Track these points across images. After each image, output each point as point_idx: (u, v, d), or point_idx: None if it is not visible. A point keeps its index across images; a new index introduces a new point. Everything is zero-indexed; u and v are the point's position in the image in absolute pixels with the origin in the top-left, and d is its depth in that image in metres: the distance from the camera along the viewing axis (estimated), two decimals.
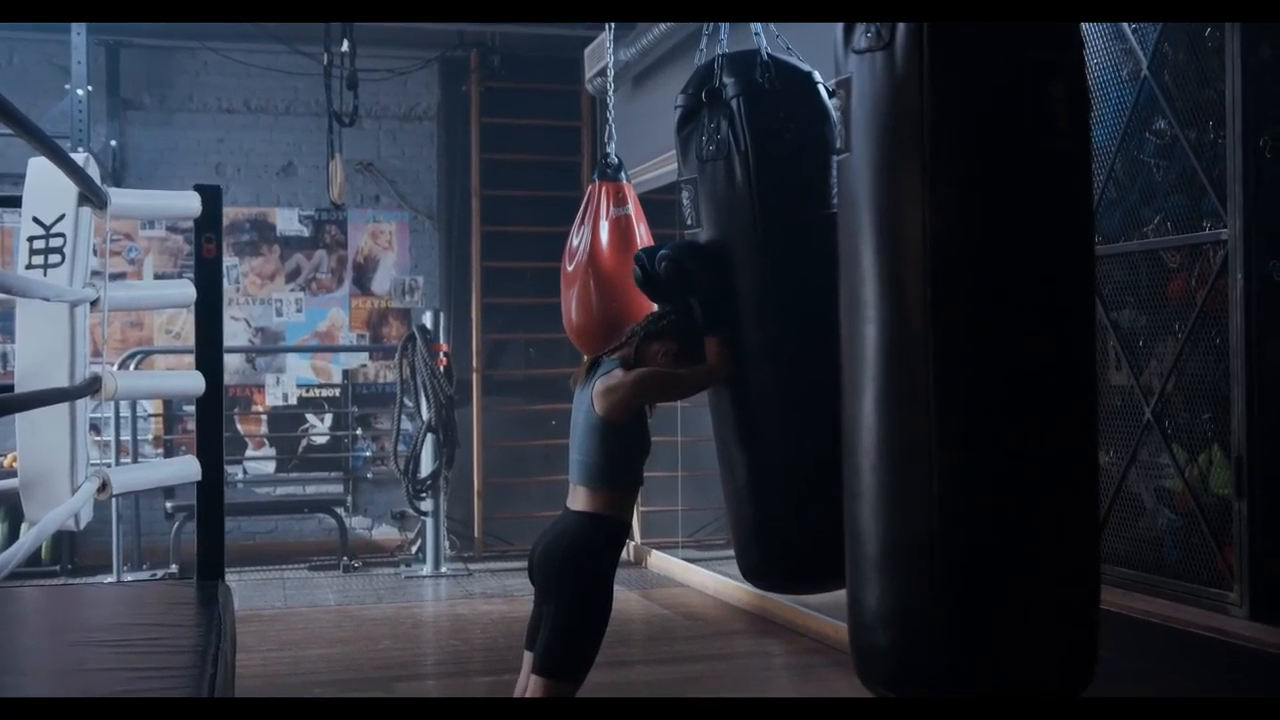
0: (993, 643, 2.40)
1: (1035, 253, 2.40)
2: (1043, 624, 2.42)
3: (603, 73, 5.67)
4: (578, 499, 3.42)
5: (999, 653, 2.41)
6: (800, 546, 3.32)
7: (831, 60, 2.63)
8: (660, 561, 8.33)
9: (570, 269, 4.90)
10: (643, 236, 4.87)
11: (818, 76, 3.39)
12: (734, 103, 3.27)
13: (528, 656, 3.49)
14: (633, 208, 4.90)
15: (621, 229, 4.82)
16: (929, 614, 2.36)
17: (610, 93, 5.17)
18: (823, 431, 3.23)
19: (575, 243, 4.90)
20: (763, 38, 3.42)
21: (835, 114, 3.34)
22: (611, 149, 4.97)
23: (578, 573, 3.36)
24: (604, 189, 4.89)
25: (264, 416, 9.28)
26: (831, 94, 3.37)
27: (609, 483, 3.39)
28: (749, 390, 3.31)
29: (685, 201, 3.50)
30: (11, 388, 3.79)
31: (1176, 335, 3.76)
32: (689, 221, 3.53)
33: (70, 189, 3.65)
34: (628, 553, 8.79)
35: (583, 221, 4.90)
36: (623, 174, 4.96)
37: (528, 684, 3.46)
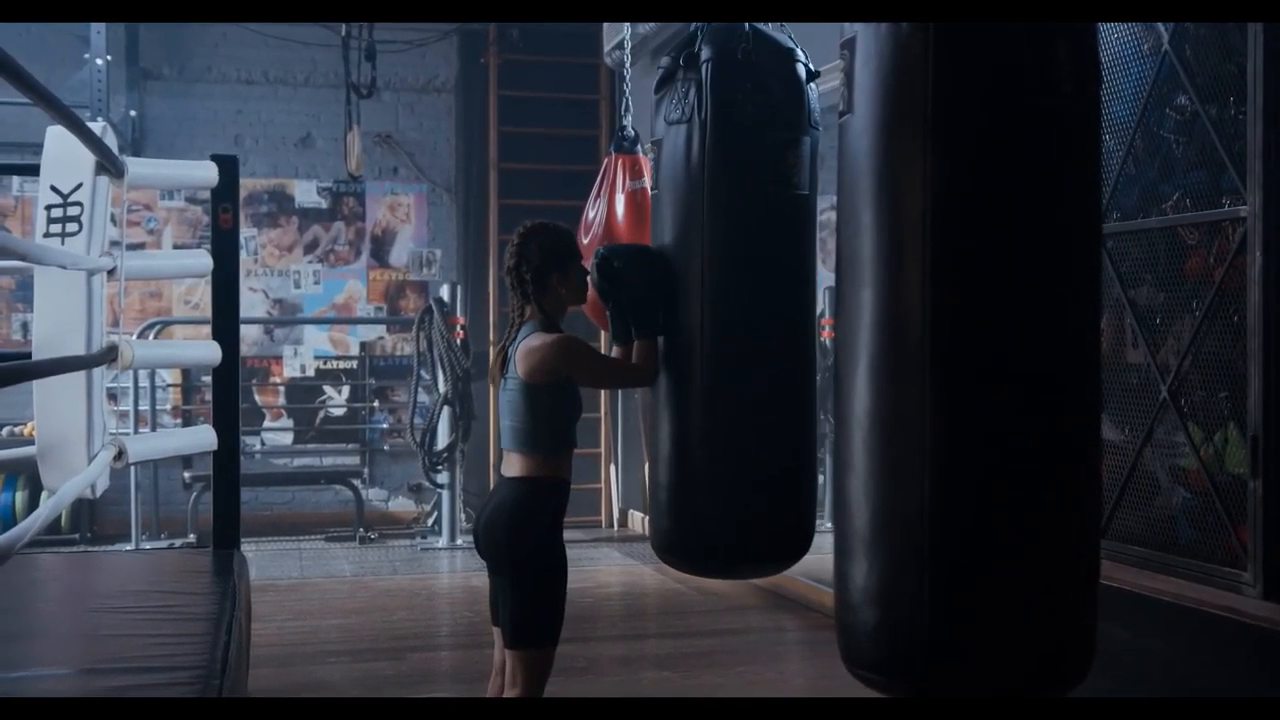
0: (985, 622, 2.32)
1: (1037, 217, 2.35)
2: (1038, 603, 2.33)
3: (621, 46, 5.63)
4: (512, 465, 3.37)
5: (991, 632, 2.32)
6: (715, 524, 3.28)
7: (837, 32, 2.60)
8: None
9: (586, 242, 4.90)
10: None
11: (800, 55, 3.36)
12: (703, 69, 3.26)
13: (497, 631, 3.46)
14: (649, 181, 4.90)
15: (638, 202, 4.82)
16: (918, 592, 2.29)
17: (628, 66, 5.16)
18: (756, 407, 3.24)
19: (591, 216, 4.90)
20: None
21: (812, 90, 3.34)
22: (628, 122, 4.96)
23: (521, 540, 3.30)
24: (620, 162, 4.88)
25: (281, 388, 9.32)
26: (814, 75, 3.36)
27: (540, 446, 3.33)
28: (682, 360, 3.29)
29: (651, 163, 3.51)
30: (29, 356, 3.81)
31: (1194, 313, 3.74)
32: (652, 185, 3.52)
33: (88, 158, 3.66)
34: (643, 527, 8.82)
35: (599, 194, 4.90)
36: (639, 147, 4.95)
37: (504, 658, 3.45)
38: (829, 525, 3.60)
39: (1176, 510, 3.81)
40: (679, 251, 3.30)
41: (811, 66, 3.33)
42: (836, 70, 2.54)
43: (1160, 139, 3.91)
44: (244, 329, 5.17)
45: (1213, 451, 3.66)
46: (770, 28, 3.40)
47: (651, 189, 3.57)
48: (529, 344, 3.34)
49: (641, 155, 4.94)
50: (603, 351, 3.78)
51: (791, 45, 3.39)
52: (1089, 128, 2.47)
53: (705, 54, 3.29)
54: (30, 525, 2.28)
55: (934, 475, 2.29)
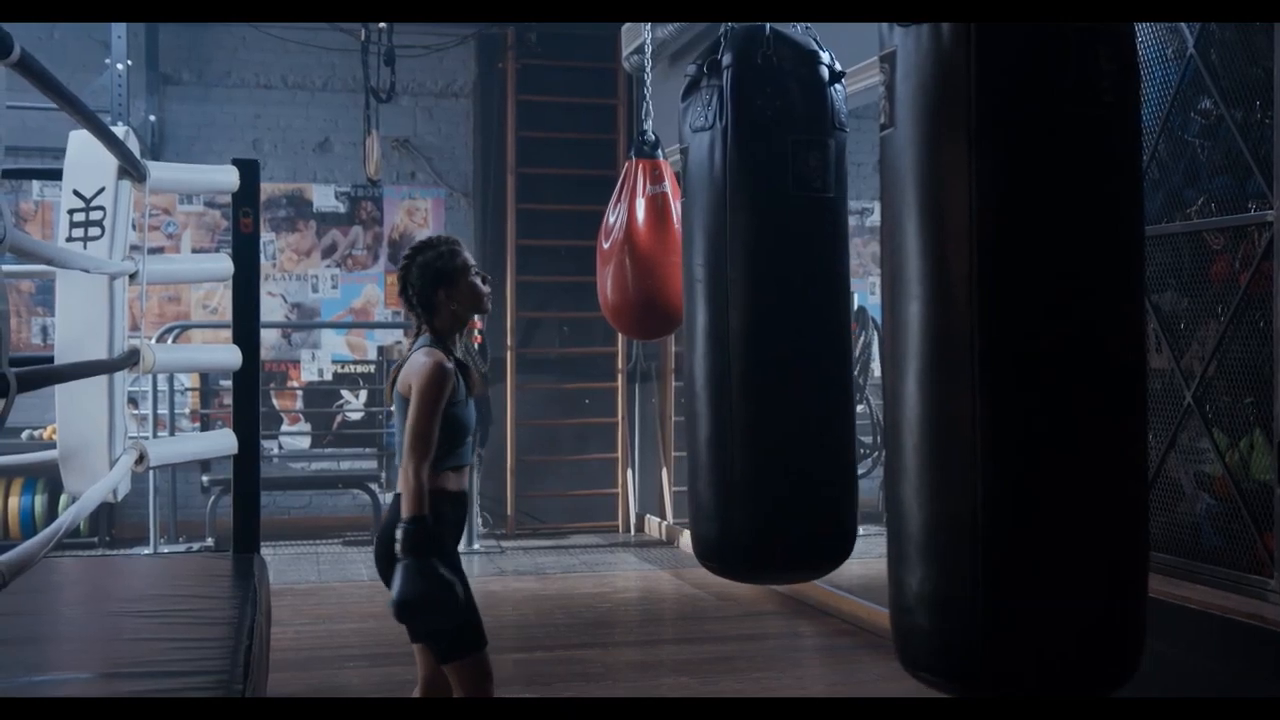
0: (1036, 627, 2.36)
1: (1082, 228, 2.36)
2: (1088, 609, 2.38)
3: (640, 50, 5.64)
4: (396, 481, 3.31)
5: (1043, 637, 2.37)
6: (757, 530, 3.27)
7: (875, 35, 2.60)
8: None
9: (606, 246, 4.90)
10: (679, 214, 4.86)
11: (824, 56, 3.35)
12: (725, 75, 3.26)
13: (416, 648, 3.44)
14: (669, 185, 4.89)
15: (658, 206, 4.82)
16: (971, 597, 2.33)
17: (648, 70, 5.15)
18: (792, 409, 3.23)
19: (611, 220, 4.90)
20: None
21: (838, 94, 3.33)
22: (648, 126, 4.96)
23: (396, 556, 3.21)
24: (641, 166, 4.88)
25: (299, 392, 9.33)
26: (837, 76, 3.34)
27: None
28: (715, 364, 3.29)
29: (680, 171, 3.51)
30: (51, 360, 3.82)
31: (1219, 318, 3.71)
32: (681, 192, 3.53)
33: (110, 162, 3.67)
34: (660, 532, 8.80)
35: (619, 199, 4.90)
36: (659, 151, 4.95)
37: (424, 674, 3.40)
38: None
39: (1201, 517, 3.78)
40: (707, 257, 3.30)
41: (836, 67, 3.32)
42: (866, 71, 2.54)
43: (1185, 143, 3.88)
44: (262, 333, 5.18)
45: (1238, 458, 3.64)
46: (793, 30, 3.39)
47: (680, 196, 3.58)
48: (412, 360, 3.33)
49: (662, 159, 4.93)
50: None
51: (815, 48, 3.38)
52: (1131, 136, 2.47)
53: (726, 60, 3.29)
54: (56, 531, 2.28)
55: (985, 481, 2.31)
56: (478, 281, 3.40)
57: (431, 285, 3.35)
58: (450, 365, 3.30)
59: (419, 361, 3.29)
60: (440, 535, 3.25)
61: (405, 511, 3.17)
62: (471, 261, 3.42)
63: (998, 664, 2.34)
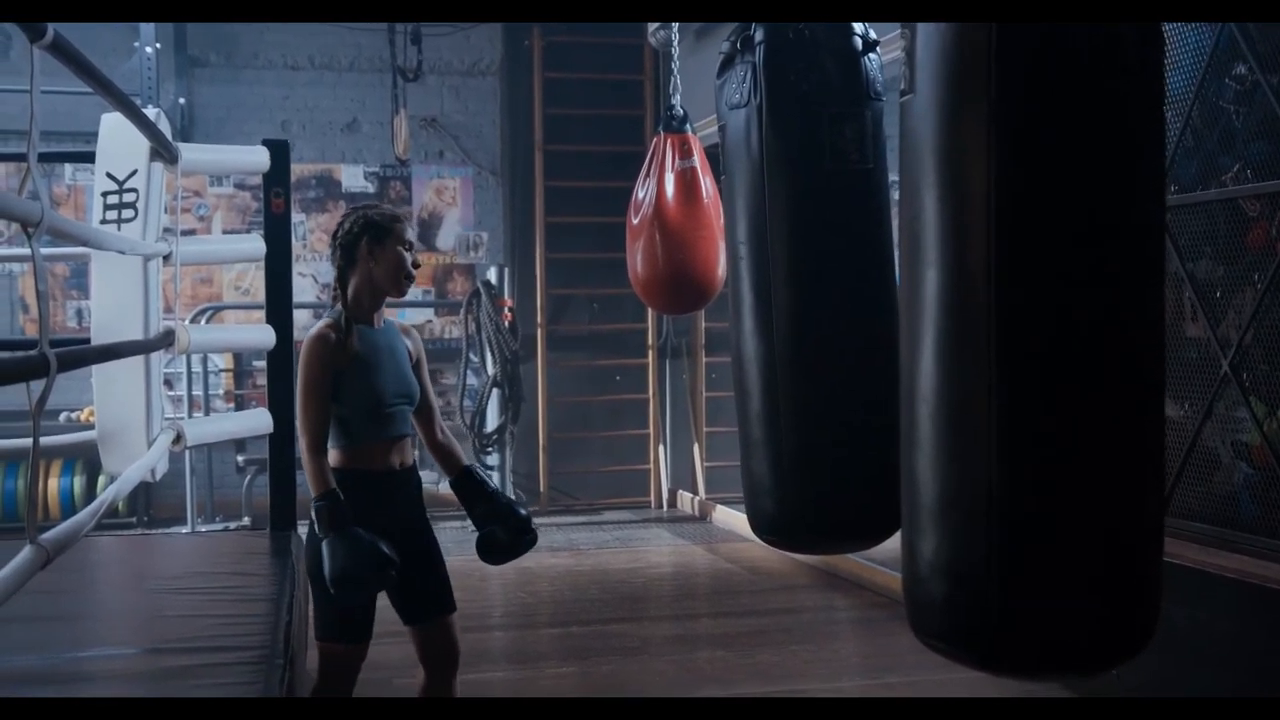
0: (1050, 591, 2.35)
1: (1102, 196, 2.34)
2: (1101, 579, 2.37)
3: (665, 25, 5.62)
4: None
5: (1056, 607, 2.36)
6: (814, 502, 3.28)
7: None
8: (725, 516, 8.34)
9: (635, 222, 4.90)
10: (708, 189, 4.85)
11: (857, 26, 3.33)
12: (758, 50, 3.25)
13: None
14: (698, 159, 4.89)
15: (687, 181, 4.81)
16: (985, 566, 2.32)
17: (675, 45, 5.14)
18: (840, 381, 3.23)
19: (640, 195, 4.90)
20: None
21: (873, 63, 3.30)
22: (676, 101, 4.94)
23: (310, 533, 3.16)
24: (669, 141, 4.87)
25: None
26: (871, 46, 3.32)
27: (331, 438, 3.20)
28: (760, 340, 3.29)
29: (719, 148, 3.50)
30: (87, 342, 3.86)
31: (1255, 286, 3.68)
32: (720, 170, 3.52)
33: (142, 144, 3.69)
34: (693, 507, 8.82)
35: (648, 174, 4.90)
36: (688, 126, 4.94)
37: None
38: None
39: (1239, 486, 3.76)
40: (749, 235, 3.29)
41: (870, 36, 3.29)
42: (898, 42, 2.52)
43: (1220, 110, 3.84)
44: (294, 313, 5.20)
45: (1276, 426, 3.61)
46: None
47: (720, 174, 3.56)
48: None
49: (690, 134, 4.92)
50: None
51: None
52: (1153, 103, 2.44)
53: (759, 35, 3.27)
54: (98, 508, 2.31)
55: (1000, 450, 2.30)
56: (406, 257, 3.25)
57: (360, 235, 3.21)
58: (328, 331, 3.15)
59: (310, 335, 3.18)
60: (361, 507, 3.09)
61: (312, 492, 3.07)
62: (410, 237, 3.29)
63: (1010, 633, 2.34)
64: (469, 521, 3.54)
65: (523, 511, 3.46)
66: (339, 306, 3.24)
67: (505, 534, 3.40)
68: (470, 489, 3.44)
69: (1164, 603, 2.47)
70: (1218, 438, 3.83)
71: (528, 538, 3.43)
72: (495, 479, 8.43)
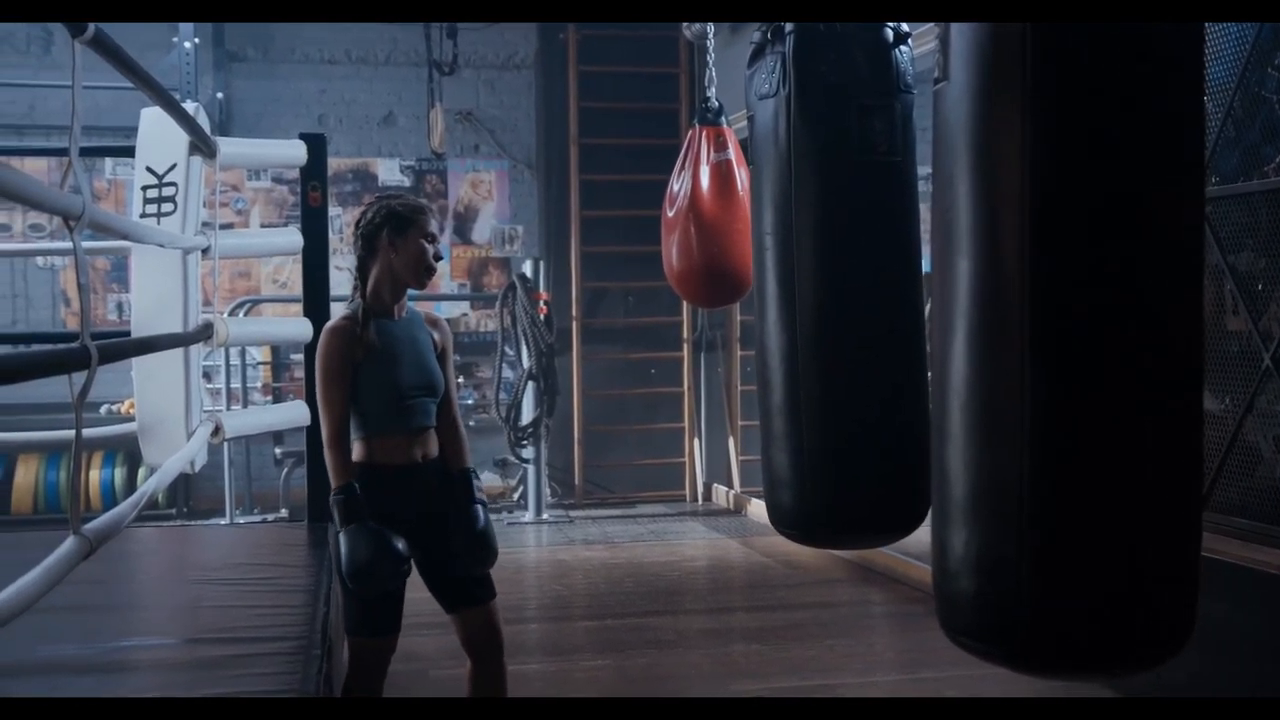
0: (1082, 595, 2.32)
1: (1139, 186, 2.31)
2: (1136, 577, 2.32)
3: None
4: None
5: (1087, 604, 2.32)
6: (836, 495, 3.27)
7: None
8: (759, 510, 8.33)
9: (671, 215, 4.89)
10: (743, 181, 4.84)
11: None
12: (788, 40, 3.23)
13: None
14: (734, 152, 4.87)
15: (723, 174, 4.80)
16: (1017, 561, 2.29)
17: (710, 37, 5.13)
18: (864, 374, 3.21)
19: (676, 188, 4.89)
20: None
21: (904, 55, 3.28)
22: (712, 93, 4.93)
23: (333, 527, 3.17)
24: (704, 134, 4.86)
25: None
26: (902, 37, 3.29)
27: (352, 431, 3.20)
28: (784, 333, 3.27)
29: (747, 139, 3.49)
30: (128, 334, 3.89)
31: None
32: (748, 161, 3.50)
33: (181, 138, 3.72)
34: (728, 501, 8.81)
35: (683, 167, 4.89)
36: (723, 118, 4.93)
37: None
38: None
39: None
40: (775, 226, 3.28)
41: (902, 28, 3.27)
42: (932, 32, 2.50)
43: (1262, 100, 3.79)
44: (332, 306, 5.23)
45: None
46: None
47: (747, 164, 3.56)
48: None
49: (725, 126, 4.91)
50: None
51: None
52: (1192, 94, 2.41)
53: (789, 26, 3.26)
54: (138, 500, 2.33)
55: (1033, 443, 2.27)
56: (428, 249, 3.21)
57: (381, 225, 3.19)
58: (344, 323, 3.15)
59: (328, 328, 3.19)
60: (381, 501, 3.10)
61: (333, 485, 3.09)
62: (433, 229, 3.24)
63: (1041, 631, 2.31)
64: (503, 515, 3.53)
65: (490, 546, 3.40)
66: (358, 298, 3.22)
67: (461, 569, 3.35)
68: (460, 496, 3.36)
69: (1205, 599, 2.43)
70: (1259, 432, 3.79)
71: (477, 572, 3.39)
72: (531, 472, 8.45)
